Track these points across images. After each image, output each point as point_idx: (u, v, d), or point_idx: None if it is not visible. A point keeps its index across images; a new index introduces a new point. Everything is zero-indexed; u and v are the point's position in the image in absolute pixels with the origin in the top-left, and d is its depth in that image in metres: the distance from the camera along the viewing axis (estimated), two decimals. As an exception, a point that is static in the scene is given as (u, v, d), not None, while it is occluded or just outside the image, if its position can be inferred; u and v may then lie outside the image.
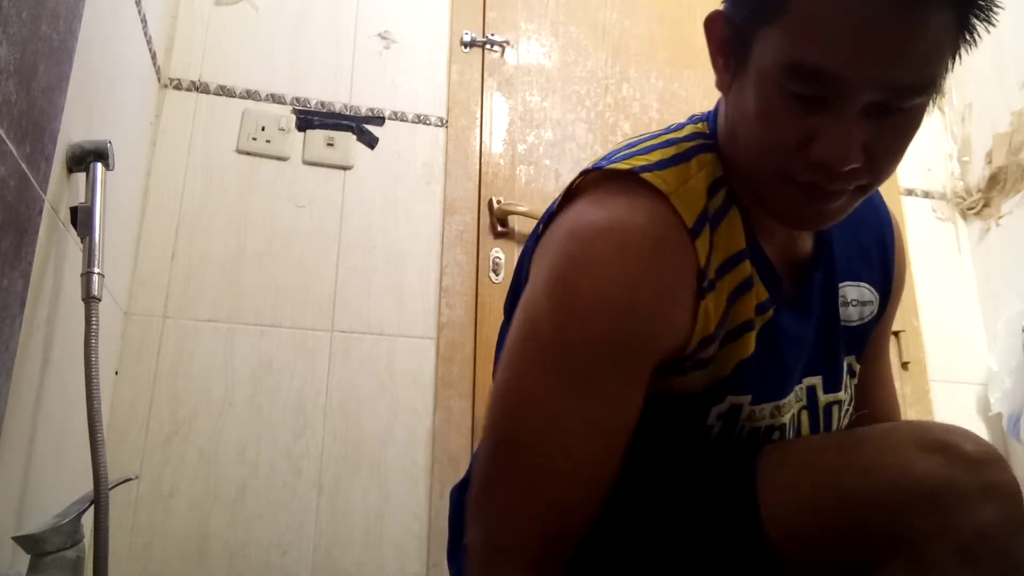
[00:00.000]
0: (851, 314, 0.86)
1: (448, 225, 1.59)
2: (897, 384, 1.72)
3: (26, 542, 0.84)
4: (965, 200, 1.91)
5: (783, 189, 0.67)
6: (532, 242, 0.80)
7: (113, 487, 0.93)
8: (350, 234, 1.54)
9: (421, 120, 1.65)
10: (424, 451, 1.45)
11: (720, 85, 0.72)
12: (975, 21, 0.65)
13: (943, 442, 0.61)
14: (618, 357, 0.67)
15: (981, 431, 1.74)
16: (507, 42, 1.75)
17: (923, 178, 1.94)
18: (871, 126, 0.62)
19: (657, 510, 0.74)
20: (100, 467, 0.90)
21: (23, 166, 0.81)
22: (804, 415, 0.81)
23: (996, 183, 1.84)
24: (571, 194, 0.75)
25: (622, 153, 0.75)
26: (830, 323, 0.83)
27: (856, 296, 0.87)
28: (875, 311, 0.89)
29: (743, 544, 0.67)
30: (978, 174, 1.90)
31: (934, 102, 0.66)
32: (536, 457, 0.68)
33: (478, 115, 1.68)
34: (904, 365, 1.74)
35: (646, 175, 0.70)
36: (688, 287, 0.69)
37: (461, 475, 1.03)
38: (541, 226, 0.78)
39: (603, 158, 0.76)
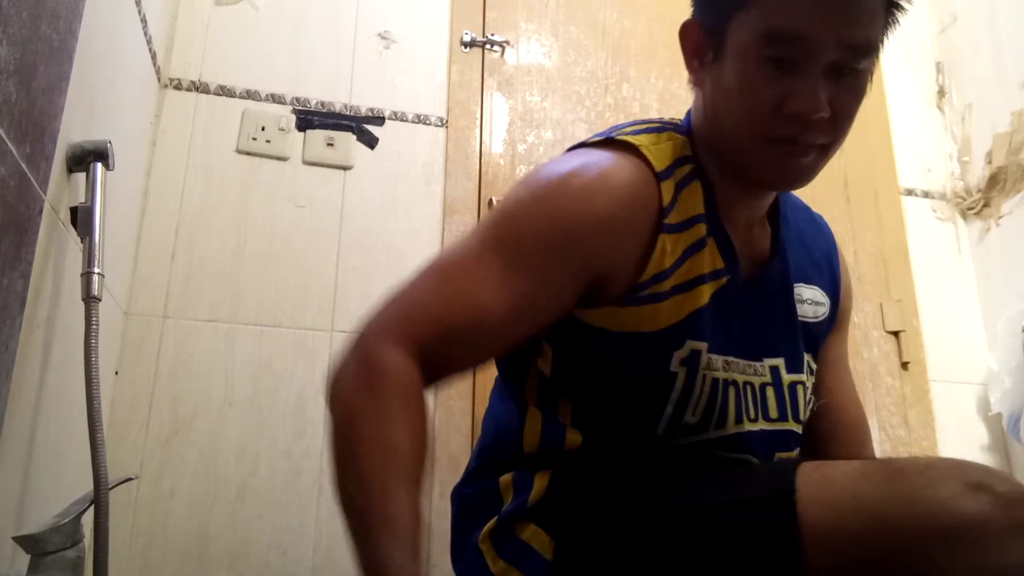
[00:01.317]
0: (807, 311, 0.94)
1: (448, 225, 1.59)
2: (897, 384, 1.73)
3: (26, 542, 0.84)
4: (965, 200, 1.91)
5: (764, 149, 0.79)
6: None
7: (113, 487, 0.93)
8: (350, 234, 1.54)
9: (421, 120, 1.65)
10: (424, 451, 1.45)
11: (697, 82, 0.85)
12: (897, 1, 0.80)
13: (982, 482, 0.63)
14: (554, 246, 0.77)
15: (981, 431, 1.74)
16: (507, 42, 1.75)
17: (923, 178, 1.94)
18: (830, 86, 0.76)
19: (692, 516, 0.74)
20: (100, 467, 0.90)
21: (23, 166, 0.81)
22: (770, 391, 0.87)
23: (996, 183, 1.84)
24: None
25: (600, 133, 0.87)
26: (788, 314, 0.91)
27: (810, 296, 0.95)
28: (828, 313, 0.97)
29: (780, 562, 0.68)
30: (978, 174, 1.90)
31: (870, 79, 0.80)
32: (450, 281, 0.77)
33: (478, 115, 1.68)
34: (904, 365, 1.74)
35: (619, 136, 0.83)
36: (648, 220, 0.80)
37: (461, 475, 1.04)
38: None
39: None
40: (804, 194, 0.98)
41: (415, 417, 0.72)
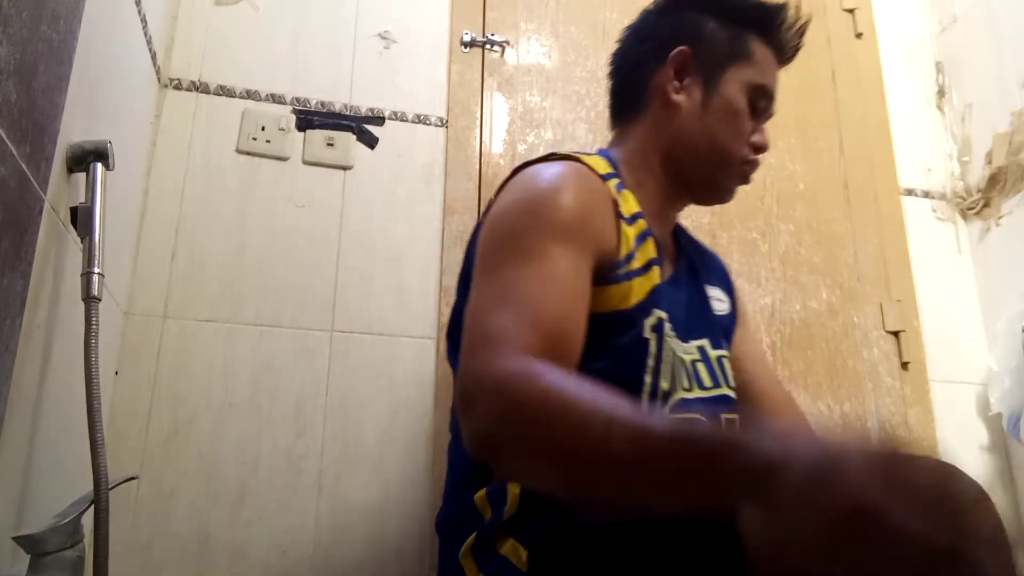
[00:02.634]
0: (716, 306, 1.10)
1: (448, 225, 1.59)
2: (897, 384, 1.73)
3: (26, 542, 0.84)
4: (965, 200, 1.91)
5: (734, 168, 1.04)
6: (481, 219, 0.98)
7: (113, 487, 0.93)
8: (350, 234, 1.54)
9: (421, 120, 1.65)
10: (424, 451, 1.45)
11: (676, 98, 1.04)
12: None
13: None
14: (563, 235, 0.85)
15: (981, 431, 1.74)
16: (507, 42, 1.75)
17: (923, 178, 1.94)
18: None
19: (645, 529, 0.73)
20: (100, 467, 0.90)
21: (23, 166, 0.81)
22: (700, 366, 1.00)
23: (996, 183, 1.84)
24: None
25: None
26: (704, 306, 1.08)
27: (716, 295, 1.12)
28: (730, 310, 1.15)
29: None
30: (978, 174, 1.89)
31: None
32: (511, 295, 0.80)
33: (478, 115, 1.68)
34: (904, 365, 1.74)
35: (559, 153, 0.98)
36: (611, 209, 0.92)
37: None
38: (488, 206, 0.98)
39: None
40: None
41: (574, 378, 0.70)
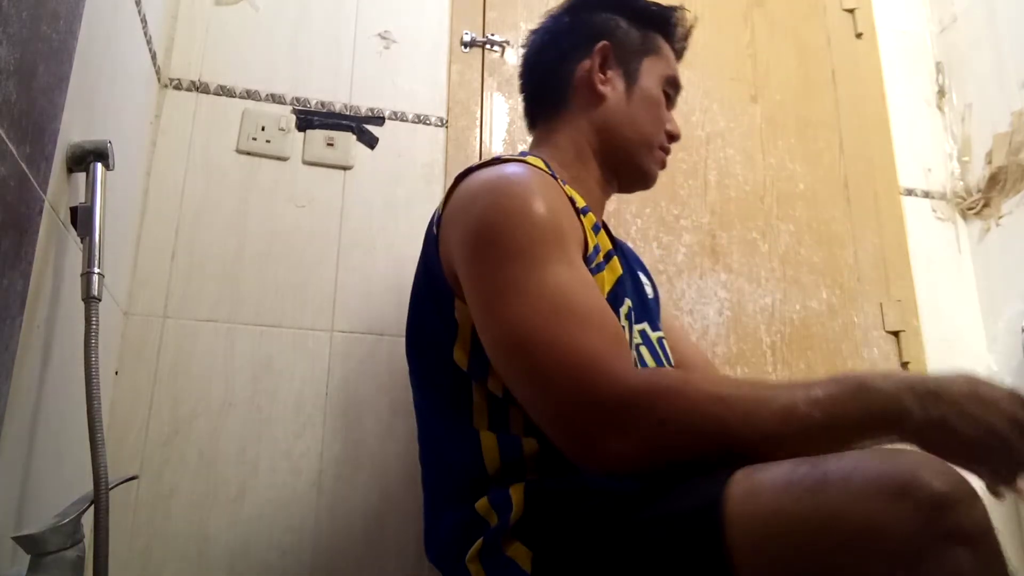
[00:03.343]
0: (647, 291, 1.18)
1: (448, 225, 1.58)
2: (897, 384, 1.73)
3: (26, 542, 0.84)
4: (965, 200, 1.91)
5: (653, 153, 1.12)
6: (432, 228, 0.98)
7: (113, 487, 0.93)
8: (350, 234, 1.54)
9: (421, 120, 1.65)
10: (424, 451, 1.45)
11: (602, 88, 1.10)
12: None
13: (907, 486, 0.58)
14: (559, 241, 0.86)
15: (981, 431, 1.73)
16: (507, 42, 1.75)
17: (923, 178, 1.94)
18: None
19: (633, 529, 0.73)
20: (100, 467, 0.90)
21: (23, 166, 0.81)
22: (644, 350, 1.04)
23: (996, 183, 1.84)
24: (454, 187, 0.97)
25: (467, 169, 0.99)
26: (639, 290, 1.14)
27: (644, 280, 1.19)
28: (655, 295, 1.22)
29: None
30: (978, 174, 1.90)
31: None
32: (573, 303, 0.80)
33: (478, 115, 1.68)
34: (904, 365, 1.74)
35: (502, 156, 0.99)
36: (571, 205, 0.93)
37: (423, 507, 1.04)
38: (439, 211, 0.98)
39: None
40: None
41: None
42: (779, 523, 0.63)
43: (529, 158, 0.98)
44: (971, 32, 1.95)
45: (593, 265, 0.92)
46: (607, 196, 1.15)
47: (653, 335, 1.10)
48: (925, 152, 1.96)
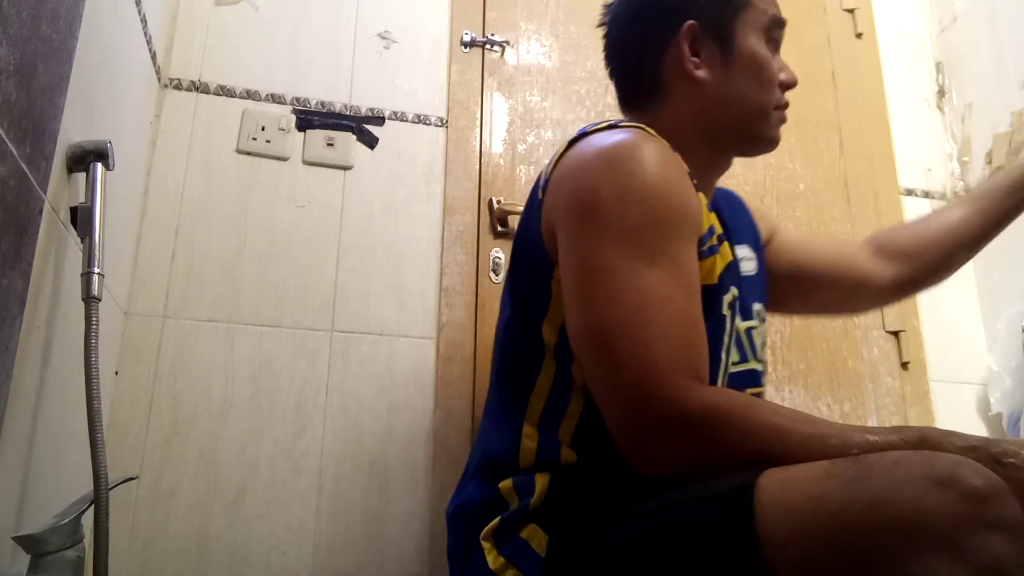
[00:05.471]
0: (744, 267, 1.04)
1: (448, 225, 1.59)
2: (897, 384, 1.73)
3: (26, 542, 0.84)
4: (965, 200, 1.91)
5: (769, 120, 1.00)
6: (537, 192, 0.93)
7: (113, 487, 0.93)
8: (350, 234, 1.54)
9: (421, 120, 1.65)
10: (424, 451, 1.45)
11: (699, 74, 0.98)
12: None
13: (951, 476, 0.61)
14: (676, 228, 0.82)
15: (981, 431, 1.74)
16: (507, 42, 1.75)
17: (923, 178, 1.94)
18: None
19: (660, 515, 0.74)
20: (100, 467, 0.90)
21: (23, 166, 0.81)
22: (734, 345, 0.98)
23: (996, 183, 1.84)
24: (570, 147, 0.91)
25: (587, 126, 0.94)
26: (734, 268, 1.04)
27: (745, 254, 1.07)
28: (757, 267, 1.10)
29: (737, 562, 0.67)
30: (978, 174, 1.89)
31: None
32: (665, 308, 0.78)
33: (478, 115, 1.68)
34: (904, 365, 1.74)
35: (622, 123, 0.92)
36: (689, 181, 0.88)
37: (461, 475, 1.04)
38: (547, 174, 0.92)
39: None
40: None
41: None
42: (820, 507, 0.65)
43: (647, 129, 0.91)
44: (971, 32, 1.95)
45: (706, 247, 0.88)
46: (719, 172, 1.05)
47: (740, 325, 1.00)
48: (925, 152, 1.96)
